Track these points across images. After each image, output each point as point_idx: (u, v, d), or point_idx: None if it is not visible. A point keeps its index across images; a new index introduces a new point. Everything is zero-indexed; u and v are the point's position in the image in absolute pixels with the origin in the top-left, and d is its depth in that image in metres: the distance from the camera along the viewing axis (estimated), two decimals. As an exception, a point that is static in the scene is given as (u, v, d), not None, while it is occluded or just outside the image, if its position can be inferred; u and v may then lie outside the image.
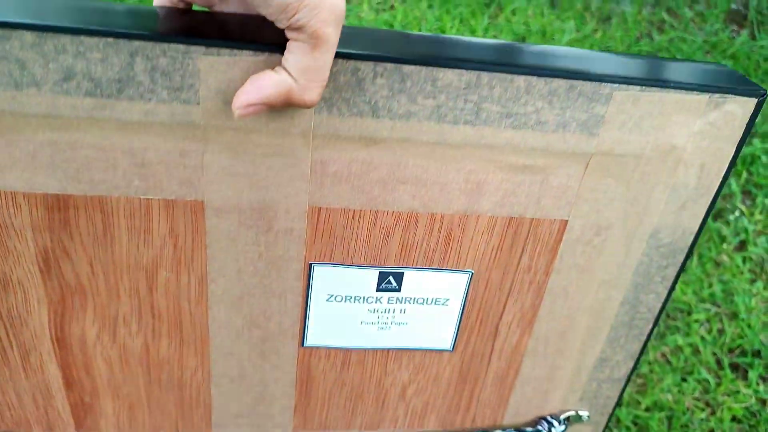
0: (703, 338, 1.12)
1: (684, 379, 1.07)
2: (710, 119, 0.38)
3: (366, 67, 0.32)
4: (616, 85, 0.35)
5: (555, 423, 0.52)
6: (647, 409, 1.02)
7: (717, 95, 0.37)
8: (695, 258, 1.22)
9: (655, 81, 0.36)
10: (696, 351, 1.10)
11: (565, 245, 0.42)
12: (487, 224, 0.40)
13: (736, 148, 0.39)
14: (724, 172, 0.40)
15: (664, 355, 1.10)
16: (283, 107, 0.31)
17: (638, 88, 0.36)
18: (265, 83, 0.30)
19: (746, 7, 1.31)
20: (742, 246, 1.26)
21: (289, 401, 0.47)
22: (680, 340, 1.10)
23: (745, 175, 1.35)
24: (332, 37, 0.29)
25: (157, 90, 0.32)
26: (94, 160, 0.34)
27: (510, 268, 0.43)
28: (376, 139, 0.35)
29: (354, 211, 0.38)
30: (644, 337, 0.49)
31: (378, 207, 0.38)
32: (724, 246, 1.25)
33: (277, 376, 0.45)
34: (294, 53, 0.30)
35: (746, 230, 1.27)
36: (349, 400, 0.48)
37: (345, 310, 0.43)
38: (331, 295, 0.42)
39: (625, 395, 1.03)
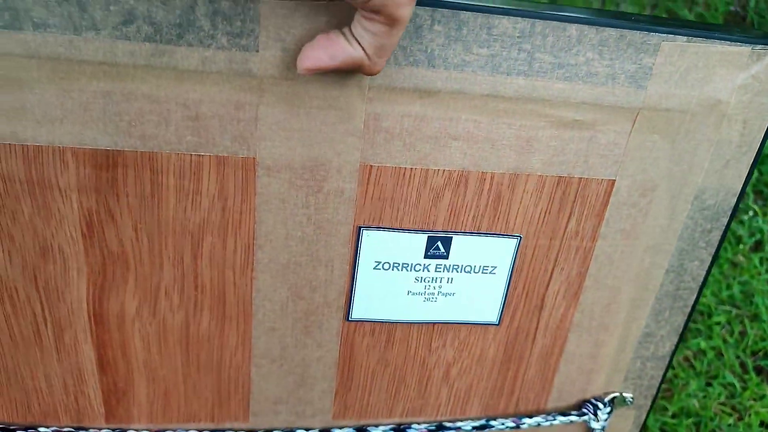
0: (725, 341, 1.13)
1: (709, 384, 1.07)
2: (753, 72, 0.39)
3: (424, 13, 0.34)
4: (664, 35, 0.37)
5: (600, 405, 0.52)
6: (674, 416, 1.01)
7: (759, 47, 0.39)
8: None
9: (700, 32, 0.38)
10: (719, 354, 1.11)
11: (612, 208, 0.43)
12: (536, 184, 0.41)
13: None
14: (766, 129, 0.42)
15: (687, 359, 1.10)
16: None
17: (684, 38, 0.37)
18: (339, 54, 0.31)
19: (745, 9, 1.37)
20: (758, 246, 1.28)
21: (330, 384, 0.46)
22: (703, 344, 1.11)
23: (756, 174, 1.39)
24: (408, 16, 0.30)
25: (216, 36, 0.32)
26: (148, 112, 0.34)
27: (557, 233, 0.43)
28: (430, 91, 0.36)
29: (405, 169, 0.39)
30: (688, 310, 0.50)
31: (429, 165, 0.39)
32: (740, 246, 1.27)
33: (319, 354, 0.45)
34: (370, 32, 0.31)
35: (761, 230, 1.29)
36: (392, 383, 0.48)
37: (392, 279, 0.43)
38: (379, 263, 0.42)
39: (651, 401, 1.03)
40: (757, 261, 1.24)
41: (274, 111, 0.35)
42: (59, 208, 0.36)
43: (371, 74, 0.33)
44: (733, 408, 1.04)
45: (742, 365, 1.11)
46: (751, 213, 1.31)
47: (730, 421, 1.02)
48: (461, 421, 0.50)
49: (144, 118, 0.34)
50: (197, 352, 0.43)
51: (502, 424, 0.50)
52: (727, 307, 1.17)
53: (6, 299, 0.39)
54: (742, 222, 1.31)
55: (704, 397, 1.04)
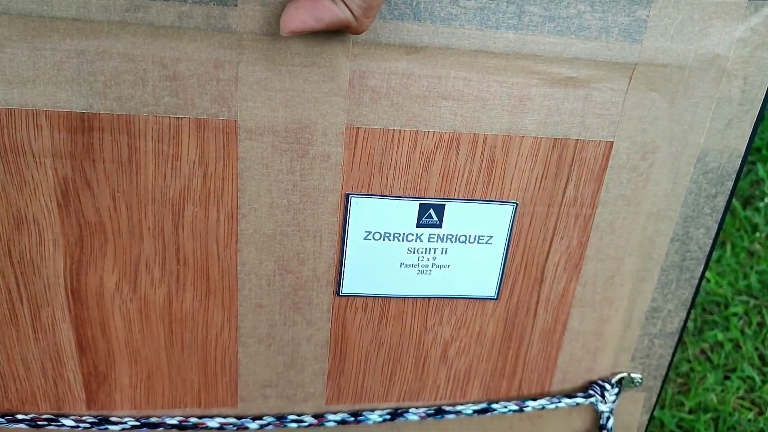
0: (743, 332, 1.12)
1: (727, 377, 1.06)
2: (751, 24, 0.40)
3: (408, -38, 0.34)
4: None
5: (607, 386, 0.52)
6: (691, 411, 1.01)
7: None
8: (728, 248, 1.24)
9: (696, -18, 0.38)
10: (737, 346, 1.10)
11: (611, 171, 0.43)
12: (531, 147, 0.41)
13: None
14: (767, 86, 0.42)
15: (703, 351, 1.10)
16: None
17: None
18: (325, 15, 0.32)
19: None
20: (772, 237, 1.28)
21: (321, 365, 0.46)
22: (719, 336, 1.11)
23: (769, 163, 1.39)
24: None
25: None
26: (123, 72, 0.35)
27: (555, 199, 0.44)
28: (417, 47, 0.37)
29: (393, 131, 0.39)
30: (695, 282, 0.50)
31: (418, 127, 0.39)
32: (757, 234, 1.27)
33: (309, 333, 0.45)
34: None
35: (775, 221, 1.30)
36: (387, 364, 0.48)
37: (383, 249, 0.43)
38: (369, 233, 0.42)
39: (667, 396, 1.02)
40: (774, 250, 1.25)
41: (254, 69, 0.36)
42: (33, 175, 0.37)
43: (357, 33, 0.33)
44: (753, 402, 1.04)
45: (761, 357, 1.11)
46: (767, 200, 1.31)
47: (750, 416, 1.01)
48: (461, 404, 0.50)
49: (120, 78, 0.35)
50: (181, 330, 0.43)
51: (505, 407, 0.50)
52: (744, 298, 1.17)
53: (-20, 276, 0.39)
54: (758, 209, 1.31)
55: (722, 391, 1.04)
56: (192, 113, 0.36)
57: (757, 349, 1.10)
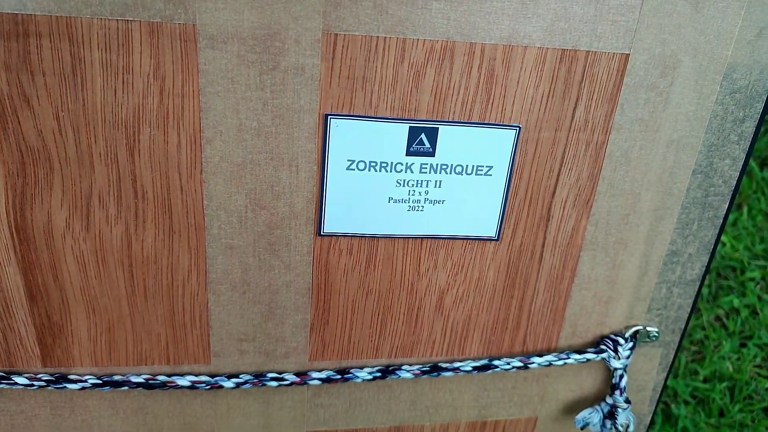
0: (760, 298, 1.08)
1: (743, 345, 1.02)
2: None
3: None
4: None
5: (621, 340, 0.47)
6: (706, 380, 0.97)
7: None
8: (745, 211, 1.19)
9: None
10: (754, 313, 1.06)
11: (627, 90, 0.39)
12: (536, 59, 0.37)
13: None
14: None
15: (718, 318, 1.05)
16: None
17: None
18: None
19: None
20: (790, 200, 1.24)
21: (303, 316, 0.42)
22: (736, 302, 1.06)
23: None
24: None
25: None
26: None
27: (563, 123, 0.39)
28: None
29: (377, 39, 0.34)
30: (719, 222, 0.45)
31: (406, 33, 0.34)
32: (774, 199, 1.22)
33: (288, 279, 0.40)
34: None
35: (794, 183, 1.25)
36: (376, 315, 0.43)
37: (369, 181, 0.38)
38: (352, 161, 0.38)
39: (681, 365, 0.98)
40: (791, 213, 1.20)
41: None
42: None
43: None
44: (771, 372, 1.00)
45: (779, 326, 1.06)
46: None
47: (768, 385, 0.97)
48: (459, 361, 0.46)
49: None
50: (143, 275, 0.39)
51: (508, 363, 0.46)
52: (762, 262, 1.13)
53: None
54: (774, 171, 1.26)
55: (738, 359, 0.99)
56: (143, 16, 0.32)
57: (775, 315, 1.06)
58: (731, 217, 1.18)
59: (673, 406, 0.93)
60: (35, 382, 0.40)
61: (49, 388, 0.41)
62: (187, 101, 0.34)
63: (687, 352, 1.01)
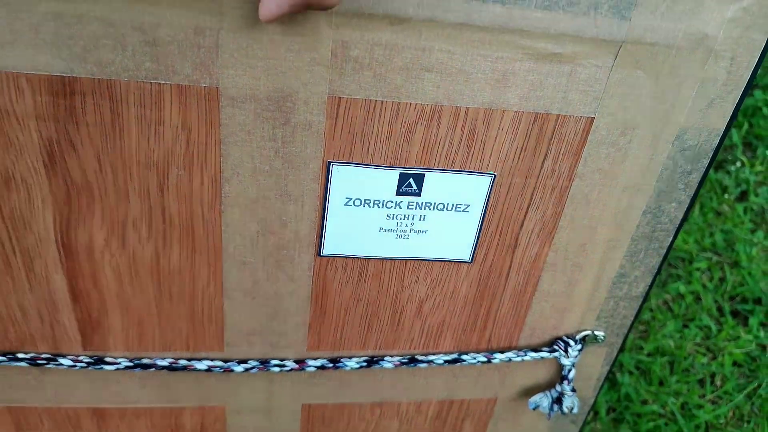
0: (704, 286, 1.13)
1: (686, 326, 1.08)
2: (744, 4, 0.37)
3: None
4: None
5: (571, 342, 0.52)
6: (649, 354, 1.03)
7: None
8: (697, 208, 1.23)
9: (690, -41, 0.35)
10: (697, 298, 1.11)
11: (590, 146, 0.41)
12: (512, 121, 0.39)
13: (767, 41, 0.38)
14: (754, 66, 0.40)
15: (666, 302, 1.11)
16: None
17: None
18: None
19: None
20: (743, 196, 1.27)
21: (303, 317, 0.46)
22: (682, 288, 1.11)
23: (746, 126, 1.36)
24: None
25: None
26: (102, 37, 0.32)
27: (533, 171, 0.42)
28: (400, 18, 0.34)
29: (375, 102, 0.37)
30: (663, 251, 0.49)
31: (401, 98, 0.37)
32: (726, 196, 1.26)
33: (291, 288, 0.44)
34: None
35: (747, 181, 1.28)
36: (365, 318, 0.47)
37: (363, 215, 0.42)
38: (350, 199, 0.41)
39: (628, 341, 1.04)
40: (741, 210, 1.23)
41: (236, 37, 0.33)
42: (18, 136, 0.35)
43: (332, 7, 0.31)
44: (708, 348, 1.06)
45: (720, 309, 1.12)
46: (738, 164, 1.29)
47: (704, 360, 1.03)
48: (433, 354, 0.50)
49: (98, 43, 0.32)
50: (169, 284, 0.42)
51: (474, 358, 0.51)
52: (709, 254, 1.17)
53: (-27, 229, 0.38)
54: (729, 172, 1.29)
55: (680, 338, 1.05)
56: (173, 80, 0.34)
57: (716, 301, 1.11)
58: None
59: (618, 375, 0.99)
60: (77, 364, 0.45)
61: (89, 369, 0.45)
62: (210, 148, 0.37)
63: (635, 330, 1.06)
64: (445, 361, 0.50)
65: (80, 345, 0.45)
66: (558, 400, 0.55)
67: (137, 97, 0.34)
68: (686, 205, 0.46)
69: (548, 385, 0.55)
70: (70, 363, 0.45)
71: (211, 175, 0.38)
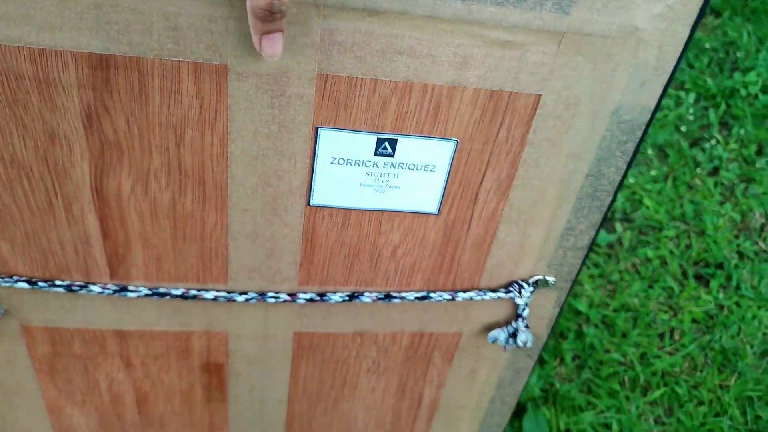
0: (671, 252, 1.23)
1: (651, 287, 1.18)
2: (669, 2, 0.45)
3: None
4: None
5: (525, 285, 0.62)
6: (615, 311, 1.14)
7: None
8: (670, 180, 1.32)
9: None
10: (664, 263, 1.22)
11: (539, 119, 0.50)
12: (472, 96, 0.47)
13: (690, 30, 0.46)
14: (679, 54, 0.48)
15: (634, 265, 1.21)
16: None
17: None
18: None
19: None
20: (715, 171, 1.36)
21: (295, 257, 0.55)
22: (650, 253, 1.21)
23: (723, 107, 1.43)
24: None
25: None
26: (133, 23, 0.40)
27: (490, 138, 0.50)
28: (377, 10, 0.42)
29: (356, 79, 0.45)
30: (604, 209, 0.58)
31: (377, 76, 0.45)
32: (698, 171, 1.34)
33: (285, 232, 0.53)
34: None
35: (720, 157, 1.36)
36: (347, 259, 0.57)
37: (346, 172, 0.50)
38: (335, 158, 0.49)
39: (595, 298, 1.14)
40: (711, 184, 1.32)
41: (242, 24, 0.41)
42: (63, 102, 0.43)
43: None
44: (670, 307, 1.16)
45: (684, 273, 1.22)
46: (713, 141, 1.37)
47: (666, 317, 1.14)
48: (406, 292, 0.60)
49: (130, 28, 0.40)
50: (183, 226, 0.52)
51: (440, 296, 0.60)
52: (678, 223, 1.27)
53: (24, 177, 0.47)
54: (703, 149, 1.37)
55: (645, 297, 1.16)
56: (190, 58, 0.42)
57: (681, 266, 1.21)
58: (657, 186, 1.30)
59: (584, 327, 1.10)
60: (105, 290, 0.54)
61: (115, 295, 0.55)
62: (219, 114, 0.45)
63: (603, 290, 1.17)
64: (416, 298, 0.60)
65: (108, 276, 0.54)
66: (513, 335, 0.65)
67: (160, 72, 0.42)
68: (623, 170, 0.55)
69: (505, 322, 0.65)
70: (99, 290, 0.54)
71: (220, 135, 0.47)
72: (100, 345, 0.60)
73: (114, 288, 0.55)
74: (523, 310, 0.63)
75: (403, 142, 0.50)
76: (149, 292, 0.55)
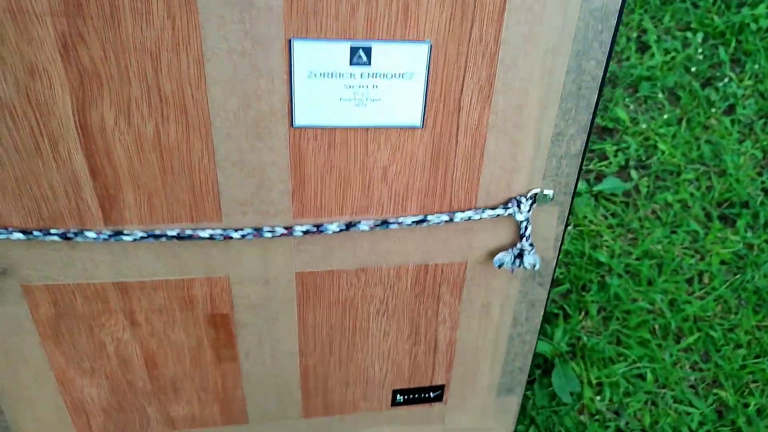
0: (692, 194, 1.22)
1: (674, 232, 1.17)
2: None
3: None
4: None
5: (522, 200, 0.62)
6: (638, 259, 1.13)
7: None
8: (684, 123, 1.31)
9: None
10: (685, 206, 1.21)
11: (509, 14, 0.51)
12: None
13: None
14: None
15: (654, 212, 1.20)
16: None
17: None
18: None
19: None
20: (730, 110, 1.35)
21: (286, 185, 0.57)
22: (669, 198, 1.21)
23: (734, 43, 1.43)
24: None
25: None
26: None
27: (463, 39, 0.52)
28: None
29: None
30: (592, 108, 0.59)
31: None
32: (713, 110, 1.34)
33: (272, 158, 0.55)
34: None
35: (735, 95, 1.36)
36: (339, 185, 0.58)
37: (325, 86, 0.52)
38: (312, 72, 0.52)
39: (616, 248, 1.13)
40: (728, 123, 1.32)
41: None
42: (38, 32, 0.46)
43: None
44: (696, 251, 1.15)
45: (707, 215, 1.20)
46: (726, 80, 1.37)
47: (692, 261, 1.13)
48: (402, 217, 0.61)
49: None
50: (170, 158, 0.54)
51: (438, 218, 0.61)
52: (696, 165, 1.26)
53: (7, 115, 0.50)
54: (716, 88, 1.37)
55: (669, 243, 1.15)
56: None
57: (703, 208, 1.20)
58: (671, 129, 1.30)
59: (607, 278, 1.09)
60: (100, 236, 0.57)
61: (110, 240, 0.57)
62: (192, 32, 0.48)
63: (623, 239, 1.16)
64: (413, 222, 0.61)
65: (102, 221, 0.56)
66: (520, 256, 0.65)
67: None
68: (604, 63, 0.56)
69: (510, 245, 0.66)
70: (94, 236, 0.56)
71: (195, 56, 0.49)
72: (102, 301, 0.62)
73: (109, 233, 0.57)
74: (526, 228, 0.64)
75: (377, 49, 0.51)
76: (144, 235, 0.57)
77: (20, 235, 0.55)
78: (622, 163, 1.25)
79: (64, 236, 0.56)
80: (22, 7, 0.45)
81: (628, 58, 1.40)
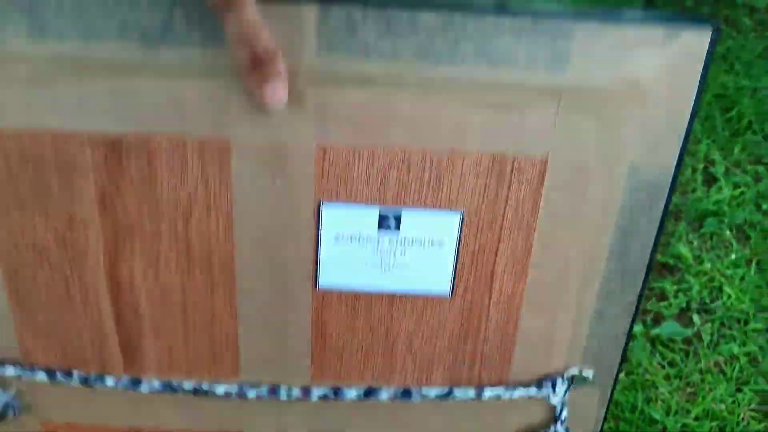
0: (761, 347, 1.05)
1: (739, 389, 1.00)
2: (668, 53, 0.41)
3: (356, 12, 0.39)
4: (578, 21, 0.40)
5: (558, 380, 0.53)
6: (697, 419, 0.96)
7: (671, 27, 0.41)
8: (753, 265, 1.17)
9: (611, 17, 0.40)
10: (754, 360, 1.04)
11: (548, 185, 0.46)
12: (473, 163, 0.45)
13: (699, 82, 0.42)
14: (691, 106, 0.43)
15: (717, 364, 1.04)
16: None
17: (597, 23, 0.40)
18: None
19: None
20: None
21: (306, 347, 0.51)
22: (736, 349, 1.04)
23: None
24: None
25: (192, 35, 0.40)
26: (143, 104, 0.41)
27: (498, 210, 0.46)
28: (370, 79, 0.41)
29: (354, 149, 0.43)
30: (638, 289, 0.51)
31: (375, 145, 0.43)
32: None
33: (294, 319, 0.50)
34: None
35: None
36: (360, 350, 0.51)
37: (352, 251, 0.48)
38: (339, 235, 0.47)
39: (673, 404, 0.97)
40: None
41: (241, 98, 0.42)
42: (81, 185, 0.44)
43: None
44: (765, 415, 0.97)
45: (778, 374, 1.03)
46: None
47: (760, 426, 0.94)
48: (426, 387, 0.53)
49: (140, 108, 0.42)
50: (193, 312, 0.49)
51: (464, 392, 0.53)
52: (767, 314, 1.10)
53: (45, 264, 0.47)
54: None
55: (733, 402, 0.98)
56: (196, 138, 0.43)
57: (773, 364, 1.03)
58: (739, 272, 1.16)
59: (661, 441, 0.93)
60: (118, 383, 0.51)
61: (128, 390, 0.51)
62: (224, 193, 0.45)
63: (681, 392, 1.00)
64: (437, 396, 0.52)
65: (122, 367, 0.51)
66: (554, 440, 0.54)
67: (167, 150, 0.43)
68: (651, 243, 0.48)
69: (544, 427, 0.55)
70: (113, 383, 0.51)
71: (224, 217, 0.46)
72: (114, 443, 0.56)
73: (127, 381, 0.51)
74: (561, 411, 0.53)
75: (407, 216, 0.46)
76: (161, 388, 0.51)
77: (44, 376, 0.51)
78: (683, 305, 1.11)
79: (85, 381, 0.51)
80: (67, 160, 0.43)
81: (693, 190, 1.29)
